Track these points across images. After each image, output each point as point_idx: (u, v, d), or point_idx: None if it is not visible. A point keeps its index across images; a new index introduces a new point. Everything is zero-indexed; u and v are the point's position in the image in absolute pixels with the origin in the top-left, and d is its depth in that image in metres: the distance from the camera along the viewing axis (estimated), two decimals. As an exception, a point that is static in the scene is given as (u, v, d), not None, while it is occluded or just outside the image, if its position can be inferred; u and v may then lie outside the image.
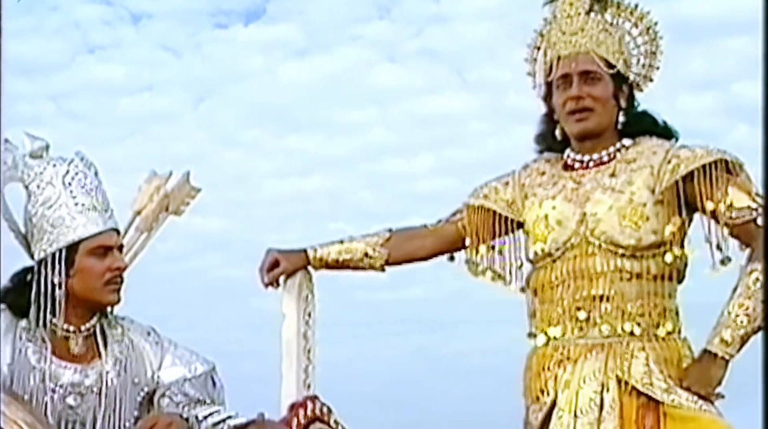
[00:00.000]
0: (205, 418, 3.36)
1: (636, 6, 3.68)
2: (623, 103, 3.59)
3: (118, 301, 3.46)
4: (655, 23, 3.69)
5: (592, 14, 3.61)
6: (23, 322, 3.37)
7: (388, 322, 9.56)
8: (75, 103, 10.33)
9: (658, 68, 3.70)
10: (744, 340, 3.35)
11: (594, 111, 3.55)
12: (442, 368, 9.42)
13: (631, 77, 3.63)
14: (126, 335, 3.49)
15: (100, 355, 3.42)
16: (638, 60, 3.67)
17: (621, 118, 3.59)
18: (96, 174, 3.45)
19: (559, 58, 3.59)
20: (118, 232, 3.49)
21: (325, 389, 3.72)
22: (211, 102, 10.52)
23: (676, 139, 3.61)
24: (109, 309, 3.48)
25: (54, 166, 3.40)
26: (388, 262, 3.81)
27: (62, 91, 10.25)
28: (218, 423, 3.36)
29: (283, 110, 10.45)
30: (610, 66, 3.56)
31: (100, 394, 3.38)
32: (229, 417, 3.39)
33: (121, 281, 3.44)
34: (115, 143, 10.07)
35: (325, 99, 10.32)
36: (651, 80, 3.69)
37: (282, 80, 10.36)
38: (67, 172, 3.41)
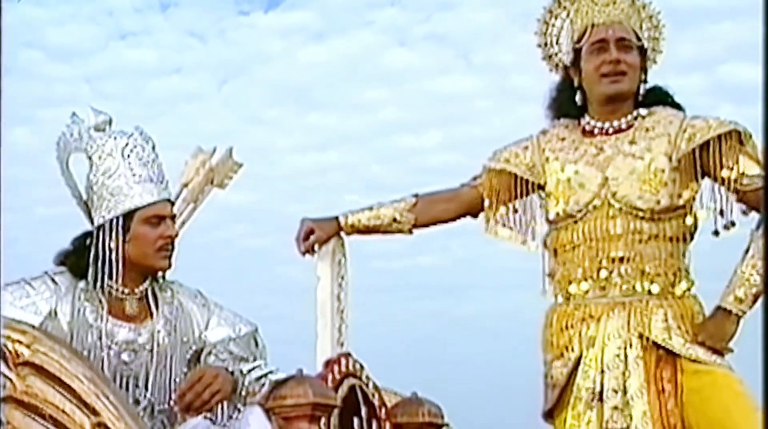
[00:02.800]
0: (249, 372, 3.36)
1: None
2: (643, 76, 3.61)
3: (169, 266, 3.47)
4: (658, 12, 3.69)
5: None
6: (82, 284, 3.38)
7: (402, 287, 9.61)
8: (108, 85, 10.40)
9: (661, 52, 3.70)
10: (756, 298, 3.35)
11: (627, 75, 3.56)
12: (453, 330, 9.48)
13: (647, 49, 3.63)
14: (175, 297, 3.49)
15: (152, 316, 3.43)
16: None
17: (642, 89, 3.60)
18: (153, 147, 3.45)
19: (593, 25, 3.59)
20: (171, 202, 3.50)
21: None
22: (234, 83, 10.60)
23: (683, 111, 3.60)
24: (160, 273, 3.49)
25: (115, 138, 3.41)
26: (415, 226, 3.80)
27: (97, 73, 10.35)
28: (260, 377, 3.37)
29: (302, 90, 10.56)
30: (638, 39, 3.58)
31: (152, 351, 3.39)
32: (271, 372, 3.40)
33: (172, 248, 3.44)
34: (145, 122, 9.97)
35: (341, 80, 10.43)
36: (655, 62, 3.69)
37: (300, 62, 10.50)
38: (126, 144, 3.41)
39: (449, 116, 10.21)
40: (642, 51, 3.60)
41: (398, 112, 10.34)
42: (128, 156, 3.41)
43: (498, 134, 9.93)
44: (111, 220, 3.39)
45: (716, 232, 3.48)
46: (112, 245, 3.37)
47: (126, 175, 3.40)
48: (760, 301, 3.35)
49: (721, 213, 3.46)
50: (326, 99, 10.49)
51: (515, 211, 3.73)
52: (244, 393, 3.30)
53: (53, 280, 3.38)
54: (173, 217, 3.48)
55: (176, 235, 3.45)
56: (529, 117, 10.57)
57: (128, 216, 3.39)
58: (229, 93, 10.37)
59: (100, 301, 3.37)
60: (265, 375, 3.37)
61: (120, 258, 3.37)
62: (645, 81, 3.63)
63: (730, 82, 8.54)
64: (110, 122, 3.45)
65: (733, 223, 3.46)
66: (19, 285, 3.35)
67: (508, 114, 10.07)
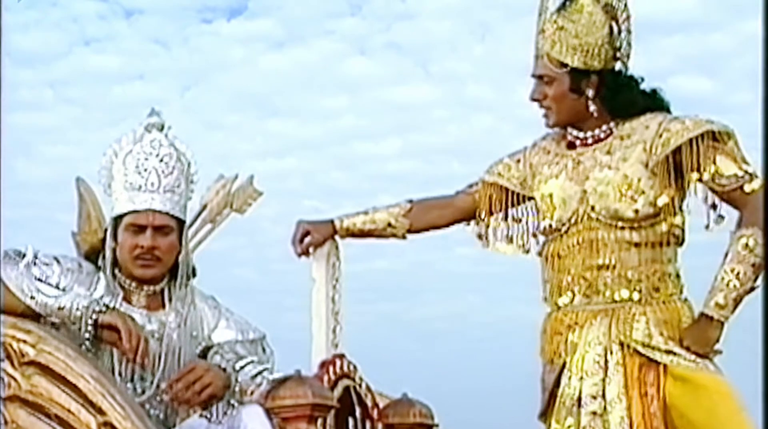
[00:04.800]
0: (242, 368, 3.32)
1: None
2: (590, 92, 3.47)
3: (149, 276, 3.38)
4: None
5: (555, 14, 3.49)
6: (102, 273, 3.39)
7: (357, 290, 9.56)
8: (72, 90, 10.30)
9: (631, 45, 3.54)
10: (737, 302, 3.30)
11: (551, 109, 3.51)
12: (407, 332, 9.48)
13: (596, 64, 3.46)
14: (188, 295, 3.46)
15: (164, 307, 3.41)
16: (623, 36, 3.53)
17: (592, 106, 3.47)
18: (163, 158, 3.36)
19: (534, 57, 3.56)
20: (167, 214, 3.37)
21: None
22: (196, 90, 10.51)
23: (668, 110, 3.52)
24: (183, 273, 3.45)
25: (134, 143, 3.39)
26: (409, 231, 3.75)
27: (60, 79, 10.24)
28: (255, 375, 3.31)
29: (263, 97, 10.48)
30: (564, 65, 3.47)
31: (161, 339, 3.35)
32: (266, 369, 3.36)
33: (153, 258, 3.35)
34: (109, 127, 10.03)
35: (301, 87, 10.38)
36: (627, 57, 3.53)
37: (262, 70, 10.41)
38: (130, 151, 3.39)
39: (407, 124, 10.20)
40: (577, 71, 3.46)
41: (357, 120, 10.30)
42: (128, 163, 3.37)
43: (454, 142, 10.02)
44: (110, 223, 3.42)
45: (707, 226, 3.43)
46: (111, 245, 3.38)
47: (120, 181, 3.38)
48: (760, 299, 3.28)
49: (713, 207, 3.40)
50: (286, 106, 10.46)
51: (516, 220, 3.69)
52: (237, 389, 3.25)
53: (79, 264, 3.39)
54: (160, 228, 3.35)
55: (151, 247, 3.34)
56: (484, 126, 10.72)
57: (117, 220, 3.38)
58: (190, 99, 10.30)
59: (115, 288, 3.36)
60: (260, 372, 3.32)
61: (113, 258, 3.37)
62: (603, 90, 3.48)
63: (681, 94, 8.61)
64: (161, 128, 3.42)
65: (722, 217, 3.41)
66: (48, 256, 3.34)
67: (464, 123, 10.13)
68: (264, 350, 3.52)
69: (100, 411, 2.93)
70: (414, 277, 9.62)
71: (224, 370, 3.25)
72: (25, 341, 3.01)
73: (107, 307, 3.19)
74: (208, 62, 10.38)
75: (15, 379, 2.98)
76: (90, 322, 3.12)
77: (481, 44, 10.04)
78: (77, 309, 3.15)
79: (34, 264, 3.26)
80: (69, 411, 2.95)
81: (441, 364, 8.59)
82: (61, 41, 10.23)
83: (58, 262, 3.33)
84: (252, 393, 3.26)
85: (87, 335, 3.13)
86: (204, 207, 3.92)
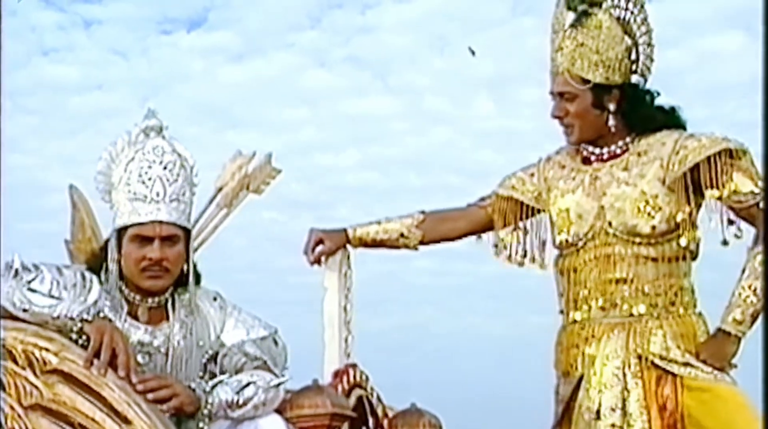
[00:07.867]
0: (213, 388, 3.07)
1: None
2: (612, 107, 3.45)
3: (157, 287, 3.21)
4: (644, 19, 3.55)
5: (572, 30, 3.46)
6: (106, 285, 3.19)
7: (317, 301, 9.50)
8: (30, 101, 10.08)
9: (652, 59, 3.56)
10: (754, 318, 3.29)
11: (574, 126, 3.48)
12: (365, 344, 9.40)
13: (617, 79, 3.44)
14: (192, 300, 3.29)
15: (168, 319, 3.24)
16: (641, 50, 3.53)
17: (612, 121, 3.44)
18: (167, 166, 3.19)
19: (551, 74, 3.53)
20: (176, 224, 3.20)
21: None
22: (155, 101, 10.24)
23: (684, 128, 3.50)
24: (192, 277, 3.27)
25: (136, 150, 3.20)
26: (422, 242, 3.70)
27: (18, 89, 10.00)
28: (243, 387, 3.08)
29: (222, 109, 10.34)
30: (586, 81, 3.44)
31: (167, 354, 3.20)
32: (249, 384, 3.09)
33: (162, 270, 3.17)
34: (67, 137, 10.00)
35: (261, 99, 10.28)
36: (648, 70, 3.55)
37: (221, 82, 10.29)
38: (132, 159, 3.20)
39: (366, 136, 10.13)
40: (599, 87, 3.43)
41: (316, 132, 10.21)
42: (130, 171, 3.20)
43: (412, 154, 9.99)
44: (112, 233, 3.23)
45: (725, 242, 3.38)
46: (114, 256, 3.20)
47: (123, 191, 3.20)
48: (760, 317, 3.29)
49: (730, 222, 3.37)
50: (245, 118, 10.35)
51: (525, 232, 3.64)
52: (206, 413, 3.04)
53: (83, 275, 3.18)
54: (167, 238, 3.18)
55: (161, 259, 3.16)
56: (442, 138, 10.69)
57: (121, 231, 3.21)
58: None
59: (119, 302, 3.19)
60: (247, 385, 3.09)
61: (117, 269, 3.19)
62: (624, 106, 3.45)
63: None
64: (159, 130, 3.24)
65: (738, 234, 3.37)
66: (51, 266, 3.15)
67: (422, 135, 10.08)
68: (276, 343, 3.37)
69: (126, 420, 2.82)
70: (373, 288, 9.56)
71: (194, 390, 3.04)
72: (47, 349, 2.89)
73: (97, 315, 3.04)
74: (168, 73, 10.26)
75: (37, 388, 2.85)
76: (75, 330, 3.00)
77: (439, 58, 9.99)
78: (71, 318, 3.02)
79: (23, 272, 3.10)
80: (93, 420, 2.83)
81: (402, 375, 8.55)
82: (20, 51, 10.04)
83: (60, 273, 3.14)
84: (241, 405, 3.04)
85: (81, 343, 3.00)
86: (219, 190, 3.65)
